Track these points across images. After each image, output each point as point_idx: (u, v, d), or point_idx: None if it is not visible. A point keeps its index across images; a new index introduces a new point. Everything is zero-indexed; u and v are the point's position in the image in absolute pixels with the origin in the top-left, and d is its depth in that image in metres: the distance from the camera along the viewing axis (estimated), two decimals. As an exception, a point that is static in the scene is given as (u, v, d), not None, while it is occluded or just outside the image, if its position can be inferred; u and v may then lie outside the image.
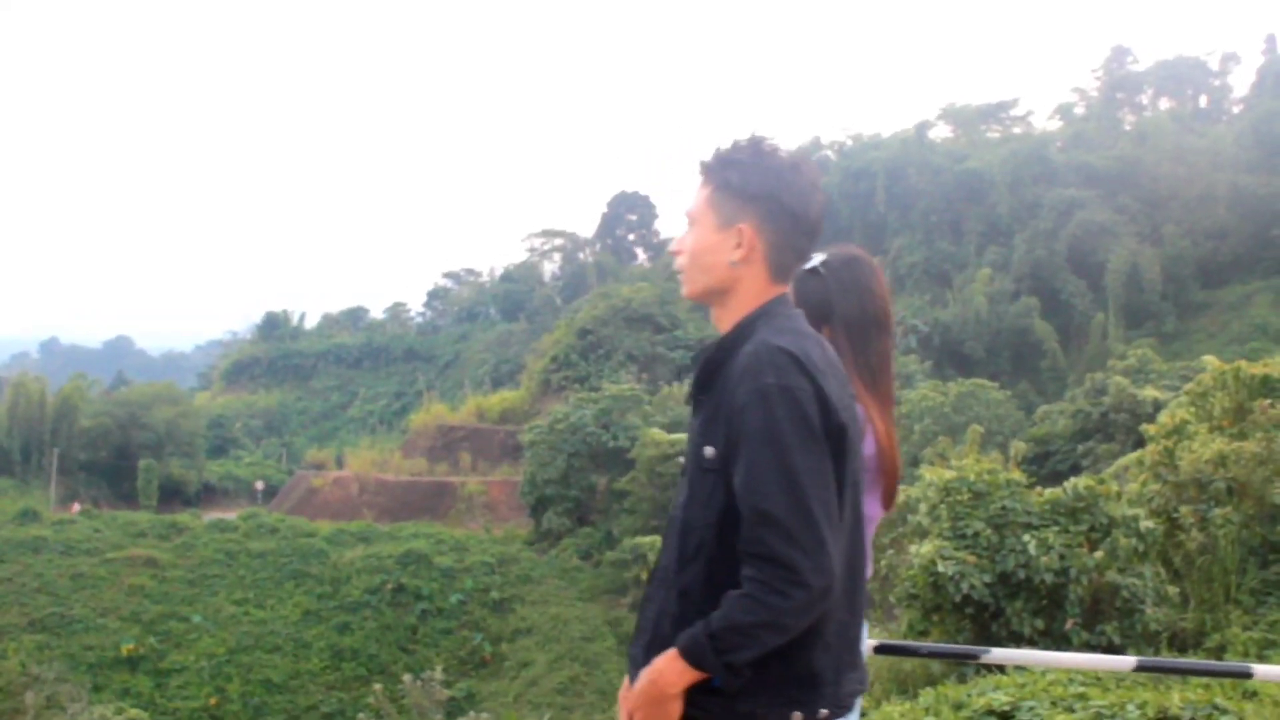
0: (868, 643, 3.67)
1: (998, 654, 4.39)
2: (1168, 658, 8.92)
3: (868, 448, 3.33)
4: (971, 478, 13.33)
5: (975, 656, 4.44)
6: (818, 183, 2.94)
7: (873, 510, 3.37)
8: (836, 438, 2.70)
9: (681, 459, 3.13)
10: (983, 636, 12.33)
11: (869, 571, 3.11)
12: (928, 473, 13.79)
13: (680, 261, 3.00)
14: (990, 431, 38.84)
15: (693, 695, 2.72)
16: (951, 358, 57.19)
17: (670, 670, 2.70)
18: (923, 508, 13.38)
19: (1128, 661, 4.23)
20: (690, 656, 2.66)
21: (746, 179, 2.88)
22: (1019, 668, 8.47)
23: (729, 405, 2.72)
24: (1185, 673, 5.04)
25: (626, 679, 3.06)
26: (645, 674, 2.77)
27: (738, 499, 2.66)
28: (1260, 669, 4.19)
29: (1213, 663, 7.83)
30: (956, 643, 12.93)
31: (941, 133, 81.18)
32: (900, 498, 7.98)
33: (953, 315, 59.40)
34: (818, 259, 3.46)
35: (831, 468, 2.68)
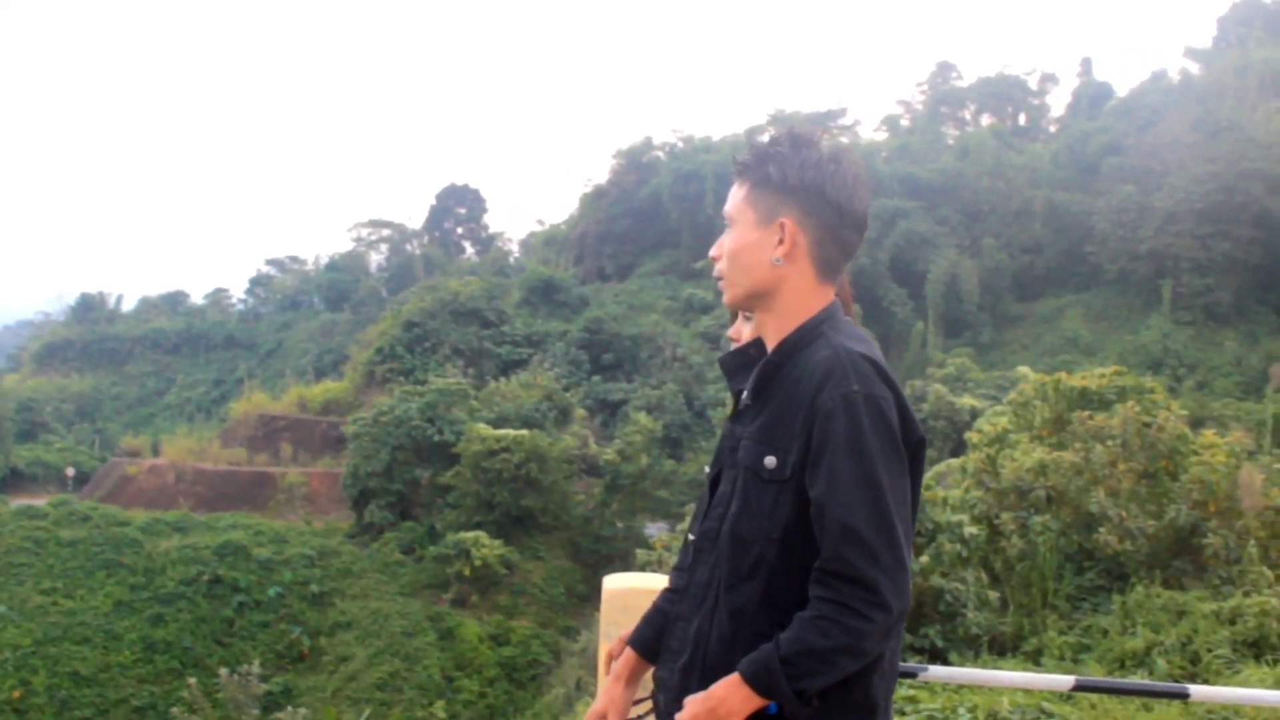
0: None
1: (935, 671, 4.29)
2: (1101, 677, 9.07)
3: None
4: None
5: (913, 675, 4.37)
6: (862, 175, 2.78)
7: None
8: (914, 450, 2.58)
9: (707, 468, 2.95)
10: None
11: None
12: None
13: (720, 267, 2.83)
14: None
15: None
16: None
17: (733, 697, 2.51)
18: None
19: (1065, 681, 4.20)
20: (758, 683, 2.48)
21: (785, 171, 2.71)
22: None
23: (801, 412, 2.56)
24: (1122, 693, 5.05)
25: (607, 699, 2.95)
26: (701, 702, 2.55)
27: (816, 511, 2.50)
28: (1196, 689, 4.24)
29: (1150, 683, 7.99)
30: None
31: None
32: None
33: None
34: None
35: (909, 482, 2.56)
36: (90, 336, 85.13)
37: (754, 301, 2.80)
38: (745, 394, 2.80)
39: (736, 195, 2.81)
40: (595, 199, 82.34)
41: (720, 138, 79.02)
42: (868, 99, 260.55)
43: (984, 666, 10.64)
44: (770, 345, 2.78)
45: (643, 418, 44.85)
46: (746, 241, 2.76)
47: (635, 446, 42.35)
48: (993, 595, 12.50)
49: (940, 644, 11.55)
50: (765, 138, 2.83)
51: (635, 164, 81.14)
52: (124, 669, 34.31)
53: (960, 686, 8.15)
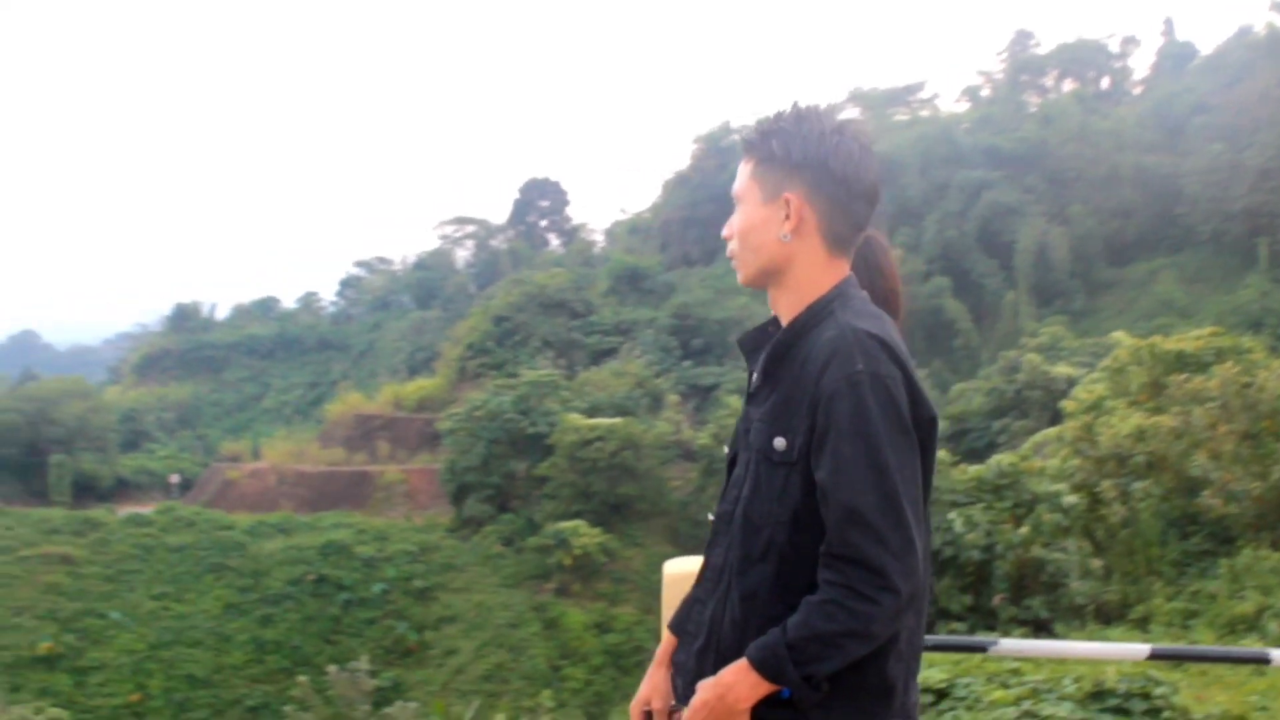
0: None
1: (1006, 645, 4.17)
2: (1178, 645, 8.91)
3: None
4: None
5: (984, 648, 4.25)
6: (869, 147, 2.72)
7: None
8: (925, 430, 2.54)
9: (725, 449, 2.88)
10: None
11: None
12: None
13: (732, 247, 2.80)
14: (907, 411, 39.31)
15: (759, 709, 2.51)
16: (865, 338, 57.36)
17: (742, 683, 2.49)
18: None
19: (1141, 650, 4.07)
20: (765, 668, 2.45)
21: (788, 146, 2.67)
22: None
23: (808, 393, 2.52)
24: (1199, 659, 4.88)
25: (650, 686, 2.92)
26: (711, 687, 2.54)
27: (822, 494, 2.46)
28: (1278, 654, 4.10)
29: (1228, 649, 7.86)
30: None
31: (850, 115, 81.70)
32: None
33: (866, 297, 59.45)
34: None
35: (919, 462, 2.51)
36: (187, 345, 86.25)
37: (766, 279, 2.76)
38: (755, 374, 2.77)
39: (743, 173, 2.79)
40: (677, 185, 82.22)
41: (800, 118, 78.39)
42: (946, 71, 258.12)
43: (1091, 635, 10.58)
44: (783, 323, 2.75)
45: (735, 401, 44.78)
46: (754, 219, 2.73)
47: (729, 430, 42.35)
48: (1096, 564, 12.39)
49: (1045, 614, 11.50)
50: (770, 111, 2.78)
51: (715, 148, 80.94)
52: (236, 670, 34.96)
53: (1063, 660, 8.12)
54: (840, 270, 2.73)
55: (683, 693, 2.72)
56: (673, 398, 49.31)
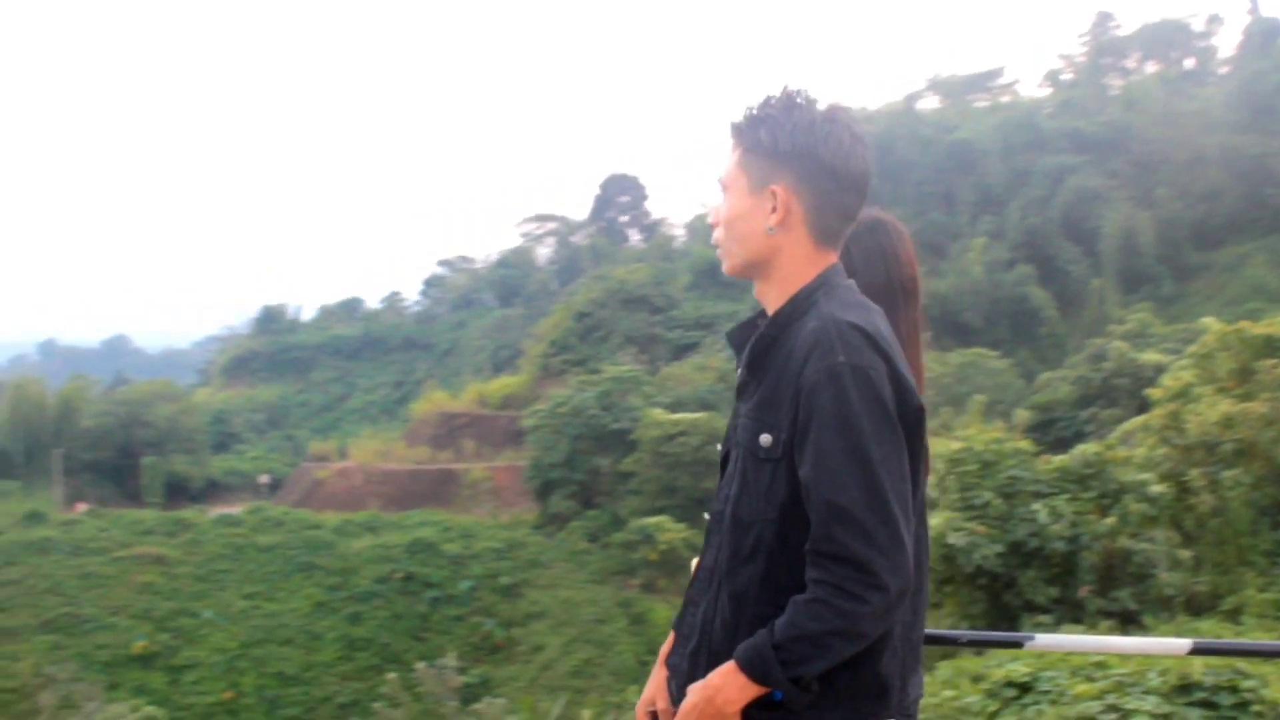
0: None
1: (1042, 640, 4.06)
2: (1219, 639, 8.75)
3: None
4: (979, 447, 13.33)
5: (1019, 644, 4.13)
6: (860, 135, 2.61)
7: None
8: (912, 421, 2.44)
9: (719, 446, 2.81)
10: (996, 607, 12.41)
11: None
12: (933, 444, 13.74)
13: (717, 235, 2.72)
14: (992, 401, 38.99)
15: (750, 711, 2.43)
16: (950, 328, 56.88)
17: (730, 686, 2.42)
18: (930, 479, 13.36)
19: (1182, 644, 3.90)
20: (753, 670, 2.39)
21: (776, 136, 2.57)
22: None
23: (791, 387, 2.45)
24: (1244, 654, 4.74)
25: (655, 686, 2.84)
26: (699, 690, 2.48)
27: (805, 491, 2.38)
28: None
29: (1273, 643, 7.70)
30: (971, 614, 13.05)
31: (930, 104, 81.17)
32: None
33: (949, 285, 58.93)
34: None
35: (906, 455, 2.41)
36: (274, 347, 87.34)
37: (752, 271, 2.67)
38: (740, 369, 2.68)
39: (730, 160, 2.69)
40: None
41: (877, 108, 77.93)
42: (1027, 56, 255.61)
43: (1180, 628, 10.42)
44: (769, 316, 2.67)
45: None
46: (740, 210, 2.64)
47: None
48: (1185, 554, 12.19)
49: (1133, 606, 11.35)
50: (760, 97, 2.67)
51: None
52: (326, 667, 35.35)
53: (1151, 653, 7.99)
54: (826, 261, 2.64)
55: (676, 695, 2.66)
56: (756, 391, 49.19)
